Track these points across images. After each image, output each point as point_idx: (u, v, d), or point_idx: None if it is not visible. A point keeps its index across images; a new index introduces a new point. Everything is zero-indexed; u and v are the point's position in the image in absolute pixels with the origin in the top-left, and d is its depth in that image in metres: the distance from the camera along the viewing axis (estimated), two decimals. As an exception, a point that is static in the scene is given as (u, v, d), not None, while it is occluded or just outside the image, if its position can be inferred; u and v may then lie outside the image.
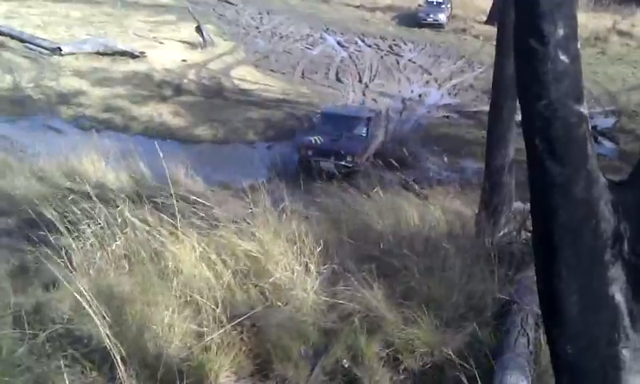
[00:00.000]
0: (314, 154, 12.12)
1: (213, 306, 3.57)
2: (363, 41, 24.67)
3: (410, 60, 22.63)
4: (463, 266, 4.20)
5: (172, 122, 14.60)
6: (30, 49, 17.25)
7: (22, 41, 17.54)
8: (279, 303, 3.77)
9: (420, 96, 18.64)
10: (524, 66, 1.72)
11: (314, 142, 12.49)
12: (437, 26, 27.68)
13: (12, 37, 17.69)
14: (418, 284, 4.00)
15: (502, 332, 3.50)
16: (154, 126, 14.20)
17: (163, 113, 15.03)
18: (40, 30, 19.11)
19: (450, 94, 19.26)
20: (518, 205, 6.15)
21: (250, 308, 3.77)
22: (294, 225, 4.07)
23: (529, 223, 4.96)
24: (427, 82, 20.22)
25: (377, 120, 13.69)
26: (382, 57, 22.66)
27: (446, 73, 21.31)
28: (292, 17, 27.36)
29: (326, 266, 4.01)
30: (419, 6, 29.19)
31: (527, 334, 3.40)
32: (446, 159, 12.66)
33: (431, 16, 27.84)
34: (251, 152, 13.68)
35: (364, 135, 12.89)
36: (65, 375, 3.16)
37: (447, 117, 16.82)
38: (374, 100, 17.87)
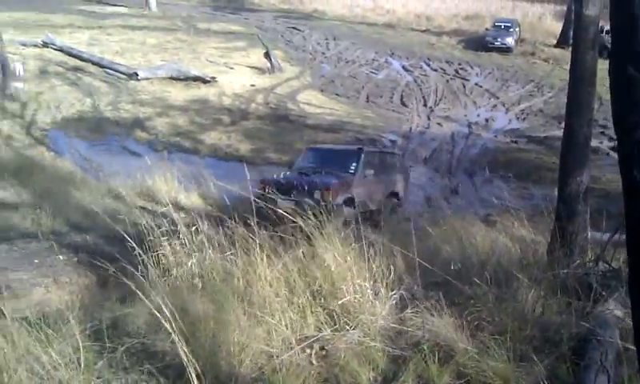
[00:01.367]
0: (270, 191, 9.26)
1: (283, 327, 3.62)
2: (429, 65, 24.58)
3: (476, 84, 22.35)
4: (537, 296, 4.07)
5: (239, 145, 14.97)
6: (109, 74, 18.21)
7: (101, 66, 18.57)
8: (347, 327, 3.78)
9: (487, 120, 18.34)
10: (622, 94, 1.67)
11: (275, 177, 10.35)
12: (504, 50, 27.27)
13: (93, 62, 18.77)
14: (490, 314, 3.90)
15: (581, 368, 3.36)
16: (222, 148, 14.59)
17: (231, 136, 15.44)
18: (118, 56, 20.16)
19: (518, 118, 18.86)
20: (593, 234, 5.91)
21: (318, 330, 3.79)
22: (363, 248, 4.07)
23: (606, 254, 4.78)
24: (494, 107, 19.89)
25: (385, 159, 11.53)
26: (447, 81, 22.49)
27: (514, 97, 20.89)
28: (358, 42, 27.64)
29: (394, 292, 3.98)
30: (486, 29, 28.86)
31: (607, 371, 3.24)
32: (514, 185, 12.35)
33: (499, 40, 27.47)
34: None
35: (351, 172, 10.40)
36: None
37: (515, 142, 16.44)
38: (439, 124, 17.74)
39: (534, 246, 5.85)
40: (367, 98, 20.15)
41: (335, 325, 3.84)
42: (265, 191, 9.13)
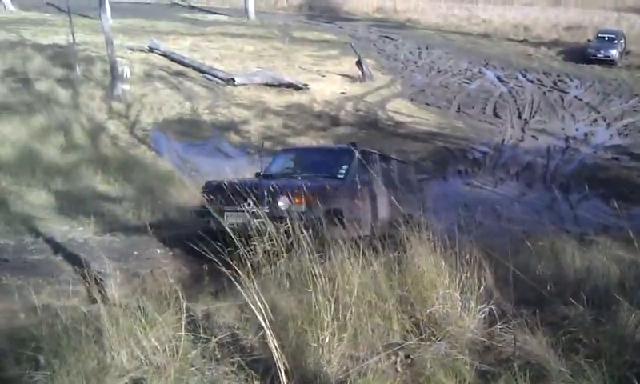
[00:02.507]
0: (216, 201, 7.10)
1: (369, 332, 3.65)
2: (525, 76, 23.76)
3: (575, 97, 21.34)
4: (638, 321, 3.84)
5: (328, 150, 15.14)
6: (208, 79, 19.05)
7: (201, 71, 19.45)
8: (433, 337, 3.75)
9: (586, 135, 17.46)
10: None
11: (226, 181, 7.15)
12: (608, 62, 25.87)
13: (193, 68, 19.71)
14: (586, 336, 3.73)
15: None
16: (311, 154, 14.80)
17: (321, 142, 15.66)
18: (217, 62, 21.03)
19: (620, 134, 17.80)
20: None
21: (403, 338, 3.79)
22: (455, 256, 4.03)
23: None
24: (594, 121, 18.90)
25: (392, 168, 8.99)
26: (544, 93, 21.64)
27: (616, 111, 19.76)
28: (451, 51, 27.20)
29: (484, 305, 3.90)
30: (588, 41, 27.52)
31: None
32: (613, 204, 11.67)
33: (602, 52, 26.11)
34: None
35: (340, 176, 7.94)
36: (232, 381, 3.42)
37: (616, 158, 15.52)
38: (534, 137, 17.10)
39: (636, 268, 5.53)
40: (458, 108, 19.77)
41: (421, 334, 3.82)
42: (209, 200, 7.10)
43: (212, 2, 37.91)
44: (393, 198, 7.06)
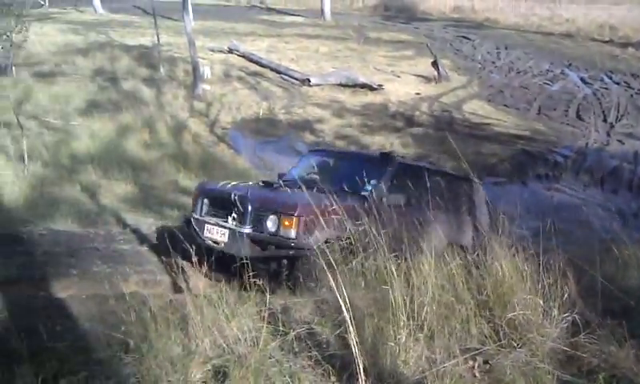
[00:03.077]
0: (201, 209, 6.33)
1: (446, 335, 3.63)
2: (610, 78, 22.61)
3: (667, 100, 20.11)
4: None
5: (401, 151, 15.04)
6: (284, 79, 19.38)
7: (278, 72, 19.81)
8: (513, 343, 3.67)
9: (678, 141, 16.41)
10: None
11: (219, 186, 6.56)
12: None
13: (270, 68, 20.10)
14: (678, 351, 3.55)
15: None
16: (385, 154, 14.76)
17: (394, 143, 15.57)
18: (293, 63, 21.33)
19: None
20: None
21: (481, 343, 3.74)
22: (538, 261, 3.94)
23: None
24: (688, 126, 17.73)
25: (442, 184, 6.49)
26: (632, 95, 20.51)
27: None
28: (531, 52, 26.30)
29: (567, 314, 3.78)
30: (684, 40, 25.85)
31: None
32: None
33: (699, 52, 24.44)
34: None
35: (365, 194, 6.20)
36: (309, 375, 3.49)
37: None
38: (620, 141, 16.25)
39: None
40: (539, 110, 19.08)
41: (500, 340, 3.75)
42: (195, 207, 6.33)
43: (289, 3, 38.47)
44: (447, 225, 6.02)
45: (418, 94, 19.47)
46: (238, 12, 32.85)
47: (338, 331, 3.75)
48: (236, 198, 5.85)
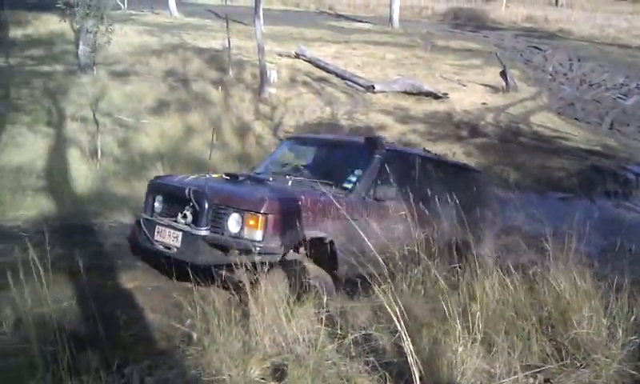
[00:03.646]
0: (152, 207, 5.51)
1: (506, 350, 3.58)
2: (691, 94, 21.48)
3: None
4: None
5: (466, 160, 14.80)
6: (349, 85, 19.46)
7: (343, 78, 19.92)
8: (576, 363, 3.58)
9: None
10: None
11: (177, 179, 5.86)
12: None
13: (336, 74, 20.23)
14: None
15: None
16: (448, 163, 14.56)
17: (457, 152, 15.29)
18: (359, 69, 21.39)
19: None
20: None
21: (542, 361, 3.66)
22: (606, 282, 3.83)
23: None
24: None
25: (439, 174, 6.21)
26: None
27: None
28: (606, 64, 25.30)
29: (635, 336, 3.65)
30: None
31: None
32: None
33: None
34: (539, 201, 13.01)
35: (347, 186, 5.52)
36: (365, 380, 3.53)
37: None
38: (700, 160, 15.43)
39: None
40: (611, 124, 18.34)
41: (562, 359, 3.67)
42: (146, 205, 5.52)
43: (358, 10, 38.58)
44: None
45: (484, 103, 19.11)
46: (307, 17, 33.23)
47: (393, 339, 3.77)
48: (191, 193, 4.95)
